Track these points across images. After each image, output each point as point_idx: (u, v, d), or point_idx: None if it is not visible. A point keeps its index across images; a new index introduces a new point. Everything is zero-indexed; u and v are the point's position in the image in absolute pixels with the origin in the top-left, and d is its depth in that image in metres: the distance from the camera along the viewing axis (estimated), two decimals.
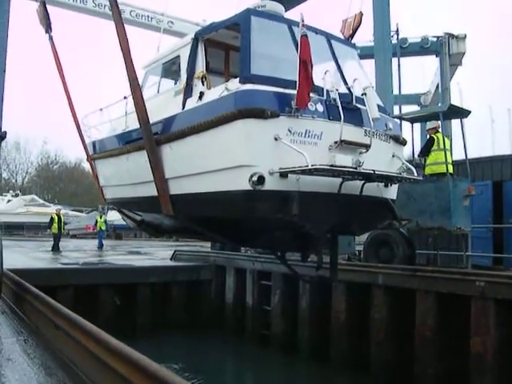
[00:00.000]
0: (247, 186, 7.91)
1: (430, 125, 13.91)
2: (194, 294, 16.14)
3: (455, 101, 26.89)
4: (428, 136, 13.62)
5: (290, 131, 7.96)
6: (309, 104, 8.08)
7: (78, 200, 76.01)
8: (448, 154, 13.14)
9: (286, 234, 9.55)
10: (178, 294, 15.92)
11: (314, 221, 8.42)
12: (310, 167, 7.59)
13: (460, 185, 12.69)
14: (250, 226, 9.02)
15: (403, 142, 10.09)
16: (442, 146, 13.07)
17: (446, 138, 13.36)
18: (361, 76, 9.61)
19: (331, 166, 7.81)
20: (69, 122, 13.31)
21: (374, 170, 8.18)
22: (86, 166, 77.44)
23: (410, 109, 27.14)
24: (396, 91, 20.81)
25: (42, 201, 59.68)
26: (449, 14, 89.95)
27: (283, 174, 7.93)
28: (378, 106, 9.12)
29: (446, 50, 29.66)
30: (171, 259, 18.46)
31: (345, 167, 7.95)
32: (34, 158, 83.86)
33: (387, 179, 8.95)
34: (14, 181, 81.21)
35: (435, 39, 30.07)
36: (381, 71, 18.25)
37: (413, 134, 14.74)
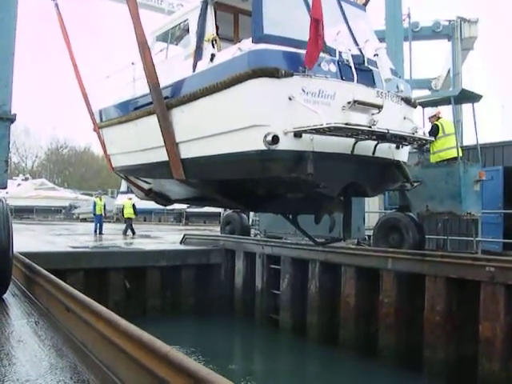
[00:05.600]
0: (261, 146, 7.95)
1: (430, 113, 13.84)
2: (203, 277, 16.18)
3: (466, 85, 26.68)
4: (431, 124, 13.52)
5: (303, 91, 7.97)
6: (322, 64, 8.08)
7: (87, 184, 76.23)
8: (453, 138, 13.07)
9: (299, 195, 9.62)
10: (188, 278, 15.96)
11: (328, 180, 8.47)
12: (324, 126, 7.59)
13: (470, 170, 12.61)
14: (264, 186, 9.06)
15: (414, 104, 10.07)
16: (447, 132, 13.00)
17: (449, 123, 13.28)
18: (371, 38, 9.61)
19: (346, 124, 7.81)
20: (77, 107, 13.32)
21: (387, 129, 8.18)
22: (96, 150, 77.72)
23: (421, 93, 26.96)
24: (407, 76, 20.65)
25: (51, 185, 59.84)
26: None
27: (297, 134, 7.96)
28: (390, 68, 9.10)
29: (457, 34, 29.37)
30: (181, 243, 18.50)
31: (359, 125, 7.94)
32: (44, 142, 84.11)
33: (400, 139, 8.93)
34: (23, 165, 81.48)
35: (447, 23, 29.75)
36: (392, 55, 18.11)
37: (424, 119, 14.63)
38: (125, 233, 25.91)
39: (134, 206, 26.81)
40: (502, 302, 9.31)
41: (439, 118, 13.38)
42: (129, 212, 26.91)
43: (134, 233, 26.09)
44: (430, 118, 13.68)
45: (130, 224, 26.55)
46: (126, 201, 27.17)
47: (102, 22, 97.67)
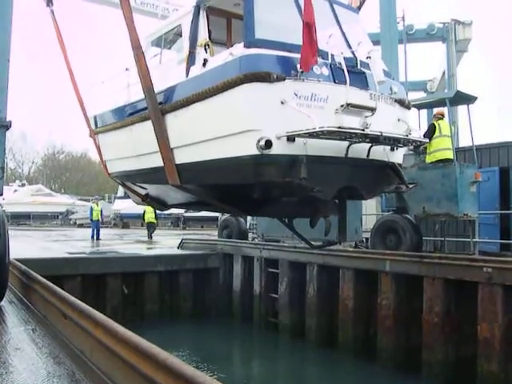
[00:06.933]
0: (255, 151, 7.96)
1: (435, 111, 13.90)
2: (201, 282, 16.16)
3: (462, 87, 26.78)
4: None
5: (296, 95, 7.98)
6: (314, 67, 8.09)
7: (84, 189, 76.26)
8: (449, 140, 13.11)
9: (294, 199, 9.62)
10: (186, 282, 15.94)
11: (322, 184, 8.48)
12: (317, 129, 7.60)
13: (467, 171, 12.65)
14: (258, 191, 9.06)
15: (408, 106, 10.09)
16: (443, 133, 13.04)
17: (448, 125, 13.31)
18: (364, 40, 9.64)
19: (339, 127, 7.82)
20: (73, 113, 13.33)
21: (381, 132, 8.19)
22: (92, 155, 77.76)
23: (416, 95, 27.04)
24: (402, 78, 20.70)
25: (48, 190, 59.93)
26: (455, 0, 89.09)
27: (290, 138, 7.97)
28: (383, 70, 9.13)
29: (452, 37, 29.49)
30: (178, 247, 18.47)
31: (352, 129, 7.95)
32: (41, 147, 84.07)
33: (394, 141, 8.94)
34: (20, 170, 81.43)
35: (441, 25, 29.89)
36: (387, 58, 18.14)
37: (420, 121, 14.67)
38: (150, 237, 26.39)
39: (155, 210, 26.68)
40: (499, 302, 9.31)
41: (440, 118, 13.38)
42: (151, 217, 27.18)
43: (151, 237, 26.61)
44: (434, 116, 13.76)
45: (152, 228, 27.10)
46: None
47: (99, 26, 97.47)
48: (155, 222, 27.77)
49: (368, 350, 11.75)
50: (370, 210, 17.73)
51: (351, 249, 13.89)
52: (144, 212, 27.37)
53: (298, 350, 13.30)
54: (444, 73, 30.48)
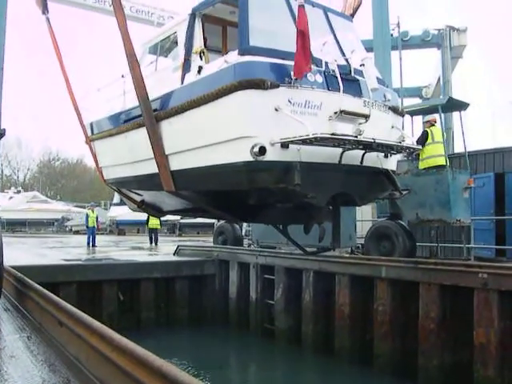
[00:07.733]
0: (249, 157, 8.02)
1: (426, 118, 13.98)
2: (197, 288, 16.13)
3: (457, 94, 26.87)
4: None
5: (290, 102, 8.05)
6: (308, 75, 8.15)
7: (80, 196, 76.03)
8: (442, 146, 13.16)
9: (288, 205, 9.66)
10: (182, 289, 15.91)
11: (316, 190, 8.53)
12: (310, 136, 7.65)
13: (459, 177, 12.70)
14: (253, 197, 9.10)
15: (401, 113, 10.15)
16: (436, 139, 13.10)
17: (440, 131, 13.37)
18: (358, 48, 9.70)
19: (332, 134, 7.87)
20: (69, 120, 13.33)
21: (373, 139, 8.24)
22: (88, 162, 77.63)
23: (411, 101, 27.14)
24: (397, 84, 20.77)
25: (44, 197, 59.74)
26: (450, 6, 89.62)
27: (284, 145, 8.03)
28: (377, 77, 9.19)
29: (447, 43, 29.65)
30: (174, 254, 18.44)
31: (345, 135, 8.00)
32: (36, 154, 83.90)
33: (387, 148, 9.00)
34: (15, 177, 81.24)
35: (436, 32, 30.04)
36: (380, 65, 18.20)
37: (413, 128, 14.71)
38: (151, 242, 26.79)
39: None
40: (495, 308, 9.32)
41: (433, 125, 13.45)
42: (155, 223, 27.21)
43: (156, 243, 26.84)
44: (425, 122, 13.81)
45: (154, 234, 27.27)
46: None
47: (98, 28, 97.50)
48: (159, 227, 27.77)
49: (364, 356, 11.73)
50: (366, 216, 17.74)
51: (347, 255, 13.90)
52: (148, 217, 27.23)
53: (294, 356, 13.27)
54: (439, 79, 30.64)
